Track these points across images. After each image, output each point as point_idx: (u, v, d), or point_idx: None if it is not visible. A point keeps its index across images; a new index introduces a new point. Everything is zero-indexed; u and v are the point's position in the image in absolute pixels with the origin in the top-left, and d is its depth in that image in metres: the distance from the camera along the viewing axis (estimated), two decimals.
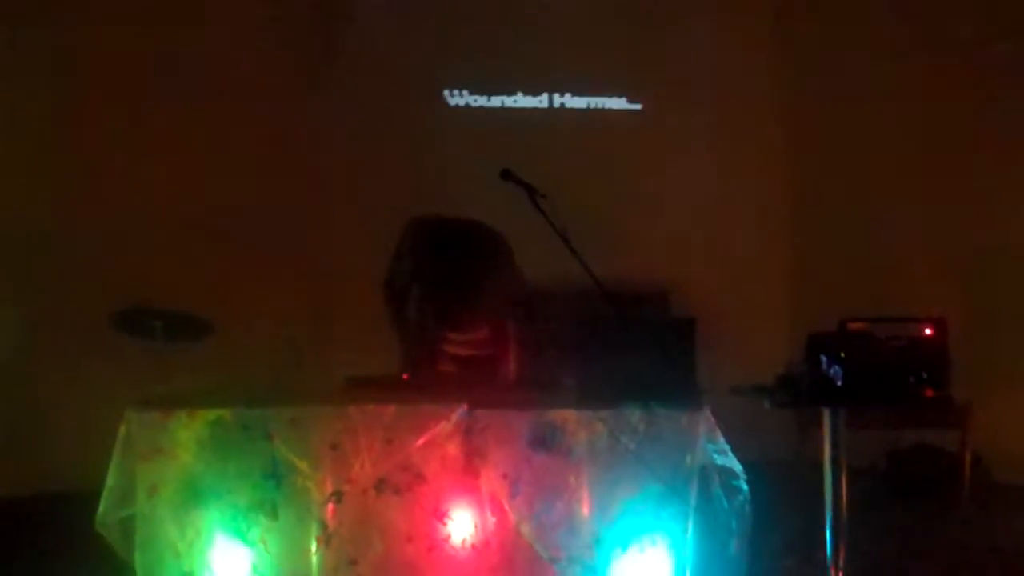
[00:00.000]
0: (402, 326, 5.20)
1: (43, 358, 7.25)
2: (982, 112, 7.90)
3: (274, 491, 3.81)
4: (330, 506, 3.77)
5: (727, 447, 3.71)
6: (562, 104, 8.71)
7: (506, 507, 3.71)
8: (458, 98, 8.62)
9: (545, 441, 3.71)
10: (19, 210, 7.28)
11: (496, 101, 8.66)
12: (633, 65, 8.54)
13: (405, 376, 4.88)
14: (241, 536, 3.83)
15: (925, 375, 4.21)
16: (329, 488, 3.78)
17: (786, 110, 8.40)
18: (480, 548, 3.75)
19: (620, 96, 8.69)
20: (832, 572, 4.37)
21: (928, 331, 4.49)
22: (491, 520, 3.74)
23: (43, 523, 6.27)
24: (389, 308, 5.22)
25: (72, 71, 7.58)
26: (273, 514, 3.81)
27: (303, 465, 3.78)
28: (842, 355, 4.06)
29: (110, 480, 3.91)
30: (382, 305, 5.25)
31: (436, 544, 3.76)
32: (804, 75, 8.33)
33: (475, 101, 8.66)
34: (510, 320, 5.17)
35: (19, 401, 7.15)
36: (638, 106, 8.63)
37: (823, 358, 4.10)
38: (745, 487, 3.66)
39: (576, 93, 8.68)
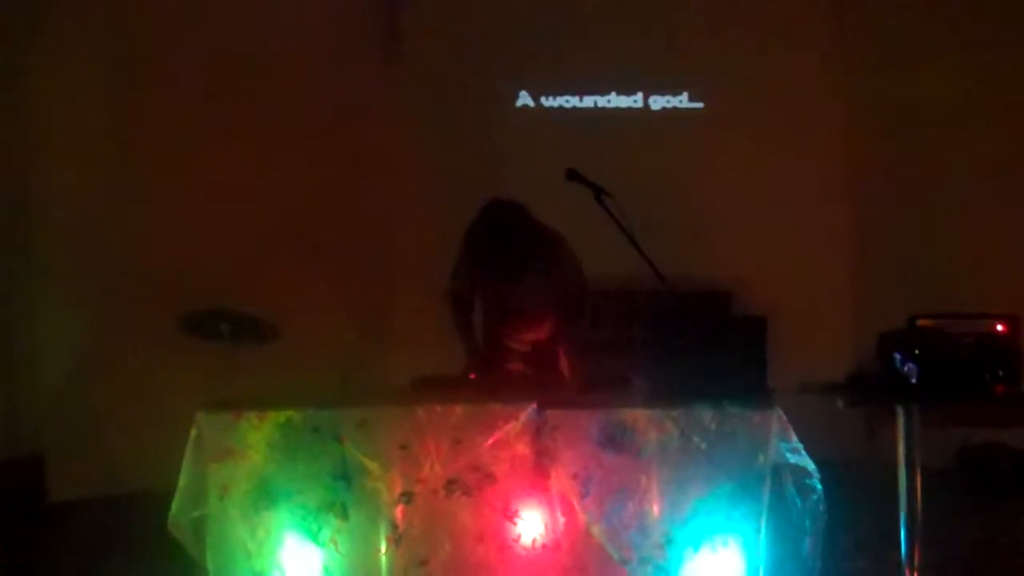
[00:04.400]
0: (468, 332, 5.26)
1: (113, 361, 7.33)
2: None
3: (344, 492, 3.83)
4: (400, 507, 3.79)
5: (800, 446, 3.68)
6: (627, 104, 8.67)
7: (576, 507, 3.70)
8: (523, 99, 8.61)
9: (615, 440, 3.69)
10: (90, 214, 7.37)
11: (560, 101, 8.64)
12: (695, 63, 8.47)
13: (472, 375, 4.90)
14: (311, 536, 3.86)
15: (1000, 372, 4.13)
16: (399, 489, 3.79)
17: (851, 105, 8.29)
18: (551, 548, 3.74)
19: (682, 94, 8.64)
20: (907, 572, 4.31)
21: (1000, 327, 4.41)
22: (561, 520, 3.74)
23: (116, 525, 6.34)
24: (453, 314, 5.27)
25: (142, 75, 7.64)
26: (343, 514, 3.83)
27: (373, 466, 3.79)
28: (916, 352, 3.99)
29: (182, 481, 3.96)
30: (446, 312, 5.30)
31: (506, 544, 3.76)
32: (869, 69, 8.22)
33: (540, 102, 8.64)
34: (568, 314, 5.20)
35: (90, 404, 7.24)
36: (700, 104, 8.56)
37: (896, 355, 4.03)
38: (819, 486, 3.62)
39: (638, 92, 8.64)
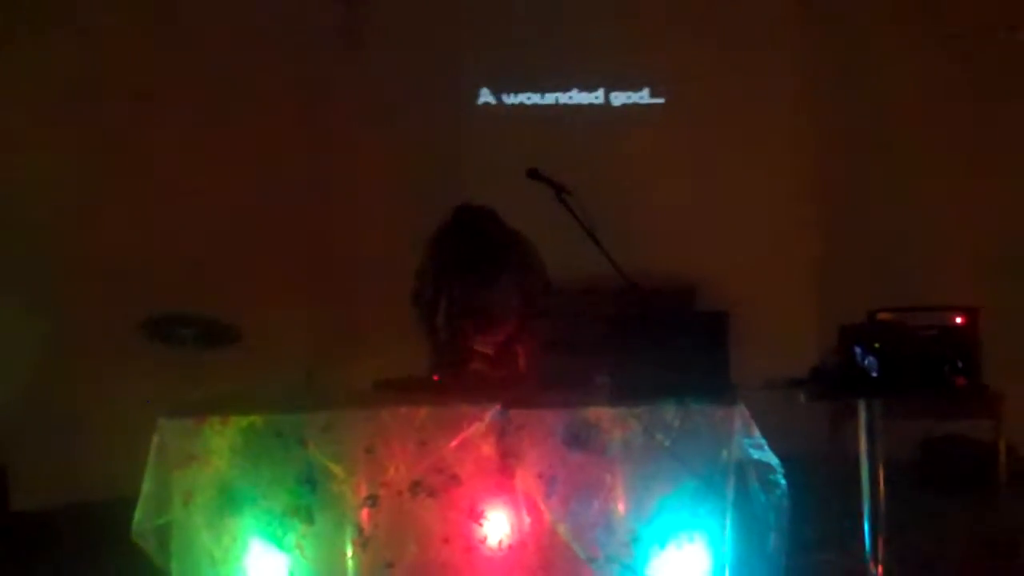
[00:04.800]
0: (432, 334, 5.27)
1: (74, 367, 7.26)
2: (1015, 101, 7.83)
3: (309, 496, 3.82)
4: (365, 510, 3.78)
5: (763, 441, 3.69)
6: (588, 100, 8.68)
7: (542, 507, 3.71)
8: (485, 96, 8.59)
9: (580, 439, 3.70)
10: (49, 218, 7.31)
11: (522, 98, 8.63)
12: (656, 58, 8.48)
13: (436, 377, 4.90)
14: (277, 542, 3.84)
15: (960, 364, 4.17)
16: (364, 492, 3.79)
17: (813, 101, 8.33)
18: (516, 548, 3.74)
19: (643, 90, 8.65)
20: (872, 564, 4.35)
21: (959, 319, 4.46)
22: (527, 520, 3.74)
23: (80, 533, 6.29)
24: (418, 319, 5.28)
25: (102, 74, 7.58)
26: (309, 519, 3.82)
27: (337, 470, 3.78)
28: (876, 345, 4.03)
29: (145, 488, 3.92)
30: (411, 317, 5.30)
31: (472, 545, 3.76)
32: (832, 66, 8.26)
33: (501, 99, 8.63)
34: (530, 313, 5.24)
35: (51, 410, 7.17)
36: (661, 100, 8.57)
37: (857, 349, 4.06)
38: (783, 481, 3.64)
39: (600, 88, 8.65)
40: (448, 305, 5.23)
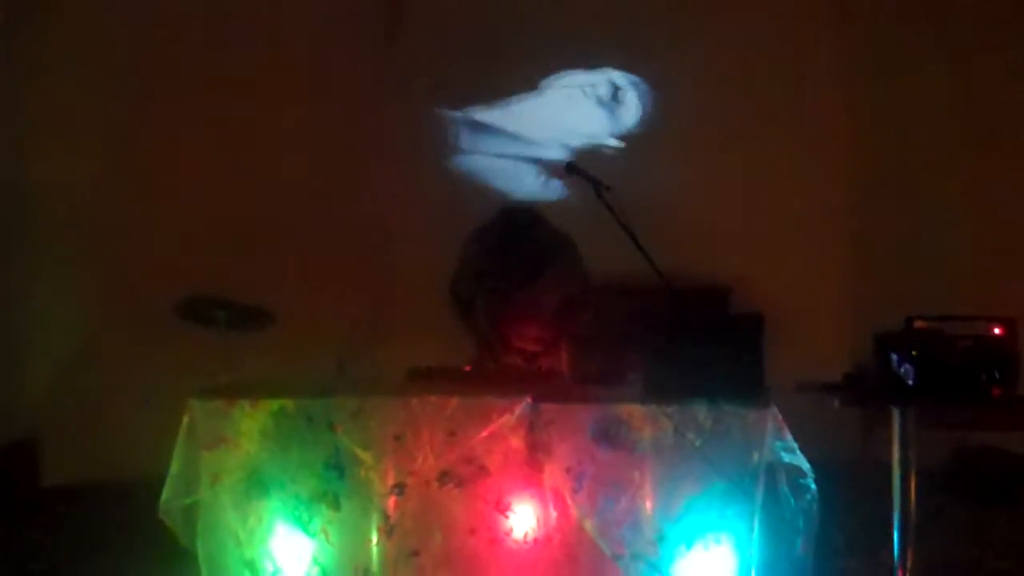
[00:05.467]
0: (470, 329, 5.25)
1: (107, 347, 7.30)
2: None
3: (337, 482, 3.82)
4: (392, 498, 3.78)
5: (794, 445, 3.67)
6: (625, 97, 8.63)
7: (569, 502, 3.69)
8: (520, 87, 8.54)
9: (609, 436, 3.68)
10: (87, 200, 7.35)
11: (558, 87, 8.58)
12: (693, 56, 8.43)
13: (467, 368, 4.90)
14: (303, 526, 3.85)
15: (997, 374, 4.12)
16: (392, 480, 3.79)
17: (853, 104, 8.25)
18: (542, 542, 3.73)
19: (678, 88, 8.59)
20: (899, 573, 4.30)
21: (997, 330, 4.39)
22: (553, 515, 3.73)
23: (107, 511, 6.33)
24: (457, 313, 5.26)
25: (138, 60, 7.61)
26: (335, 505, 3.83)
27: (366, 456, 3.78)
28: (913, 353, 3.99)
29: (173, 468, 3.95)
30: (450, 309, 5.28)
31: (498, 537, 3.76)
32: (872, 67, 8.17)
33: (538, 88, 8.58)
34: (573, 316, 5.20)
35: (84, 390, 7.22)
36: (696, 99, 8.50)
37: (893, 356, 4.02)
38: (813, 486, 3.61)
39: (636, 83, 8.61)
40: (487, 304, 5.19)
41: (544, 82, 8.59)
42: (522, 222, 5.11)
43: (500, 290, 5.11)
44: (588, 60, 8.56)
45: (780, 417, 3.68)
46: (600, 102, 8.65)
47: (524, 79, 8.50)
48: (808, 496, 3.61)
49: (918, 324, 4.49)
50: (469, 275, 5.18)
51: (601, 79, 8.63)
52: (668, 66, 8.60)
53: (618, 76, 8.61)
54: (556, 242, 5.15)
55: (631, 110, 8.63)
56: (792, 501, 3.62)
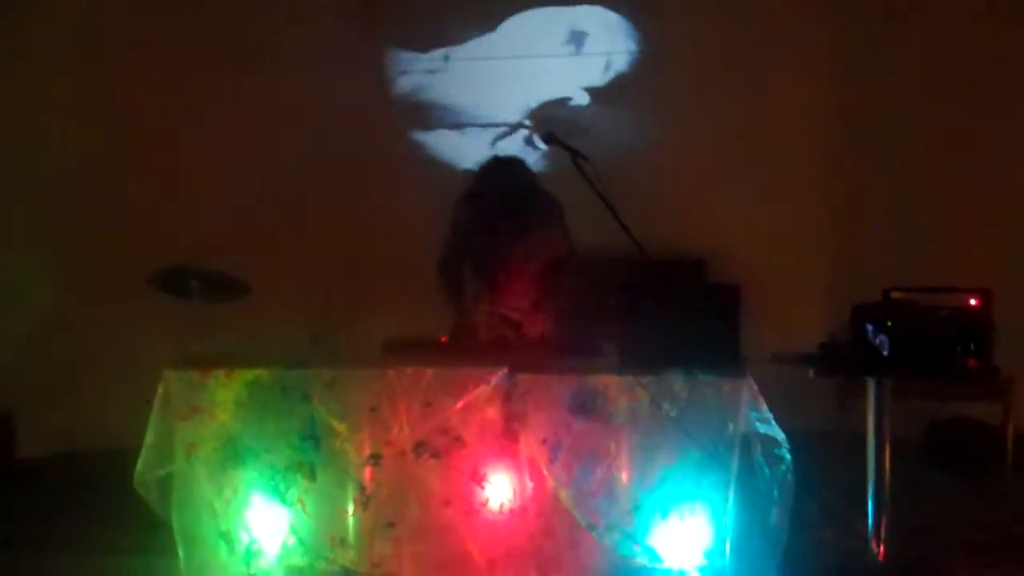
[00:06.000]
0: (455, 298, 5.19)
1: (81, 317, 7.26)
2: None
3: (312, 452, 3.81)
4: (368, 468, 3.78)
5: (770, 415, 3.66)
6: (599, 70, 8.61)
7: (545, 472, 3.69)
8: (493, 61, 8.50)
9: (585, 406, 3.68)
10: (59, 170, 7.30)
11: (534, 63, 8.56)
12: (669, 27, 8.39)
13: (444, 339, 4.87)
14: (279, 496, 3.84)
15: (972, 346, 4.14)
16: (367, 450, 3.78)
17: (831, 76, 8.25)
18: (518, 513, 3.73)
19: (655, 60, 8.56)
20: (873, 543, 4.34)
21: (973, 301, 4.41)
22: (529, 485, 3.73)
23: (82, 480, 6.32)
24: (445, 285, 5.21)
25: (111, 36, 7.56)
26: (311, 475, 3.82)
27: (342, 427, 3.77)
28: (889, 324, 4.00)
29: (148, 439, 3.93)
30: (438, 283, 5.23)
31: (473, 508, 3.76)
32: (849, 36, 8.16)
33: (515, 67, 8.55)
34: (559, 278, 5.14)
35: (57, 360, 7.19)
36: (674, 72, 8.47)
37: (869, 327, 4.04)
38: (787, 456, 3.61)
39: (611, 57, 8.57)
40: (474, 266, 5.11)
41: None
42: (505, 171, 5.07)
43: (489, 244, 5.01)
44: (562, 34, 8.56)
45: (755, 387, 3.68)
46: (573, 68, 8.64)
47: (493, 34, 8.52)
48: (783, 466, 3.62)
49: (895, 295, 4.51)
50: (459, 236, 5.10)
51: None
52: (645, 38, 8.59)
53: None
54: (539, 192, 5.10)
55: (607, 68, 8.61)
56: (767, 471, 3.62)
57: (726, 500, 3.67)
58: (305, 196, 7.82)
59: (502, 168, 5.10)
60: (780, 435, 3.65)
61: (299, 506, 3.82)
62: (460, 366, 3.77)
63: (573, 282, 5.16)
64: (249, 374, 3.84)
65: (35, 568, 5.11)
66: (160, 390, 3.91)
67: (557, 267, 5.06)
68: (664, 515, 3.67)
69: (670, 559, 3.67)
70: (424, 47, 8.36)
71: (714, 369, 3.70)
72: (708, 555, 3.68)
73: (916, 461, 6.79)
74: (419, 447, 3.73)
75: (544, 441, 3.68)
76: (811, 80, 8.34)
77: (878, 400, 4.33)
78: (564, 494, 3.67)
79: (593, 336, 4.22)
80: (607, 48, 8.57)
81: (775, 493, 3.63)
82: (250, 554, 3.86)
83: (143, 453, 3.91)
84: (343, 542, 3.79)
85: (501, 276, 5.00)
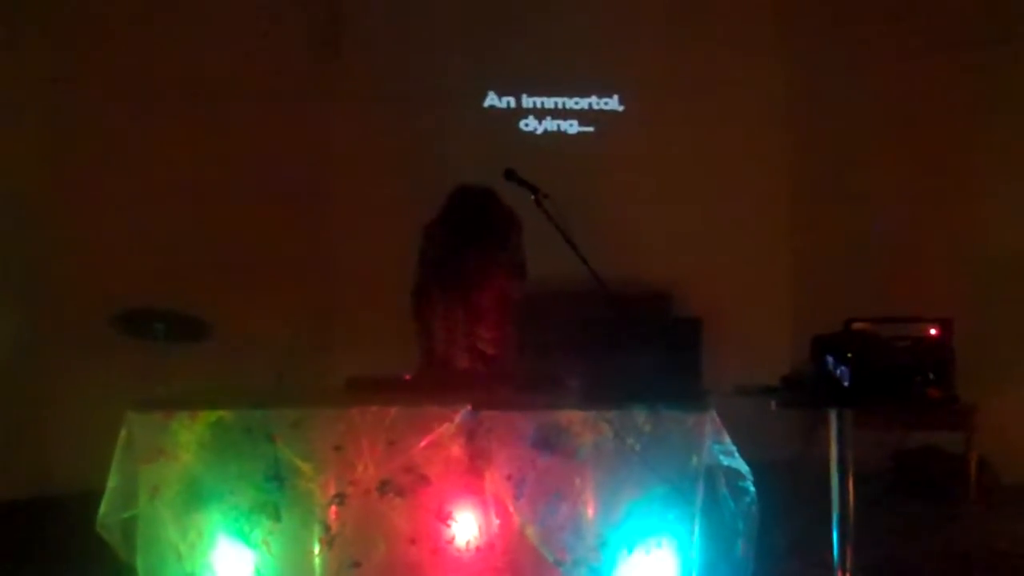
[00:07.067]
0: (429, 330, 5.20)
1: (44, 360, 7.21)
2: (990, 114, 7.85)
3: (276, 493, 3.79)
4: (333, 508, 3.75)
5: (733, 448, 3.68)
6: (562, 105, 8.69)
7: (510, 509, 3.68)
8: (461, 100, 8.58)
9: (550, 442, 3.68)
10: (21, 212, 7.27)
11: (499, 102, 8.64)
12: (631, 66, 8.49)
13: (407, 377, 4.87)
14: (243, 538, 3.81)
15: (932, 375, 4.17)
16: (332, 490, 3.76)
17: (790, 110, 8.36)
18: (484, 550, 3.72)
19: (616, 96, 8.64)
20: (839, 573, 4.35)
21: (933, 331, 4.45)
22: (495, 522, 3.72)
23: (44, 525, 6.26)
24: (419, 315, 5.22)
25: (72, 70, 7.55)
26: (276, 516, 3.79)
27: (306, 467, 3.75)
28: (848, 355, 4.03)
29: (111, 482, 3.90)
30: (412, 314, 5.23)
31: (440, 546, 3.74)
32: (808, 74, 8.28)
33: (477, 103, 8.63)
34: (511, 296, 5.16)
35: (20, 403, 7.12)
36: (636, 107, 8.56)
37: (829, 358, 4.07)
38: (752, 488, 3.63)
39: (575, 95, 8.65)
40: (443, 296, 5.12)
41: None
42: (474, 199, 5.10)
43: (459, 274, 5.03)
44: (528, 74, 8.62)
45: (719, 420, 3.70)
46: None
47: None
48: (747, 499, 3.63)
49: (856, 326, 4.55)
50: (427, 264, 5.13)
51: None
52: (605, 77, 8.67)
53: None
54: (509, 218, 5.13)
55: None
56: (732, 504, 3.64)
57: (692, 533, 3.67)
58: (268, 235, 7.82)
59: (472, 197, 5.13)
60: (744, 467, 3.67)
61: (264, 547, 3.78)
62: (424, 404, 3.77)
63: (519, 303, 5.18)
64: (212, 415, 3.82)
65: None
66: (123, 432, 3.87)
67: (510, 288, 5.10)
68: (630, 549, 3.66)
69: None
70: (390, 77, 8.41)
71: (677, 403, 3.71)
72: None
73: (881, 491, 6.83)
74: (384, 486, 3.71)
75: (509, 477, 3.68)
76: (773, 115, 8.45)
77: (840, 431, 4.36)
78: (530, 530, 3.66)
79: (556, 371, 4.24)
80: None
81: (740, 525, 3.64)
82: None
83: (106, 496, 3.87)
84: None
85: (472, 305, 5.03)
